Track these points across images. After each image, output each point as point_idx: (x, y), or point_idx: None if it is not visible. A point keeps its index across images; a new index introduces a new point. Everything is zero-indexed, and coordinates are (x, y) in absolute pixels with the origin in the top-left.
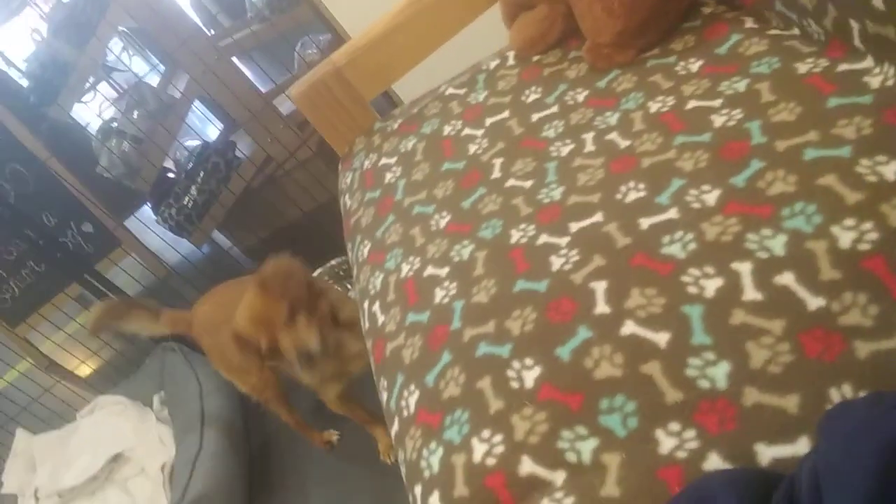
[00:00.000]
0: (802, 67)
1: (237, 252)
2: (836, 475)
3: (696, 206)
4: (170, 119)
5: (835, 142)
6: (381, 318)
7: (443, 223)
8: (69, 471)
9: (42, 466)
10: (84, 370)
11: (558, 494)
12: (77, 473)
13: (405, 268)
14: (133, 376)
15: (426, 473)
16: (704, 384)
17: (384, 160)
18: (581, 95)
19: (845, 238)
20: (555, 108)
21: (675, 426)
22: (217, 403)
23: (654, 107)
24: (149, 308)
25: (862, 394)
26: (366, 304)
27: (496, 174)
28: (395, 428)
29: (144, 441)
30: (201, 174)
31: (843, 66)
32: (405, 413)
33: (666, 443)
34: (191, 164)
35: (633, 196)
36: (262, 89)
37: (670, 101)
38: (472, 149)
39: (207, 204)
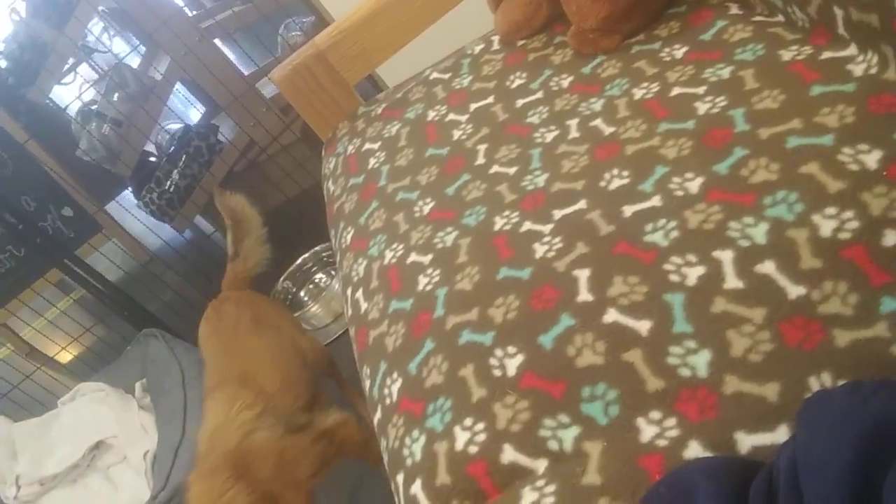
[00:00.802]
0: (786, 55)
1: (219, 237)
2: (814, 464)
3: (680, 193)
4: (151, 102)
5: (817, 130)
6: (364, 306)
7: (426, 210)
8: (51, 458)
9: (23, 454)
10: (65, 356)
11: (540, 482)
12: (59, 461)
13: (388, 254)
14: (115, 363)
15: (408, 461)
16: (685, 372)
17: (368, 145)
18: (566, 81)
19: (826, 227)
20: (539, 94)
21: (655, 414)
22: (199, 391)
23: (638, 93)
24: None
25: (841, 382)
26: (349, 291)
27: (480, 160)
28: (377, 416)
29: (127, 429)
30: (183, 158)
31: (826, 54)
32: (388, 401)
33: (647, 431)
34: (172, 148)
35: (616, 183)
36: (245, 72)
37: (655, 87)
38: (457, 134)
39: (189, 188)
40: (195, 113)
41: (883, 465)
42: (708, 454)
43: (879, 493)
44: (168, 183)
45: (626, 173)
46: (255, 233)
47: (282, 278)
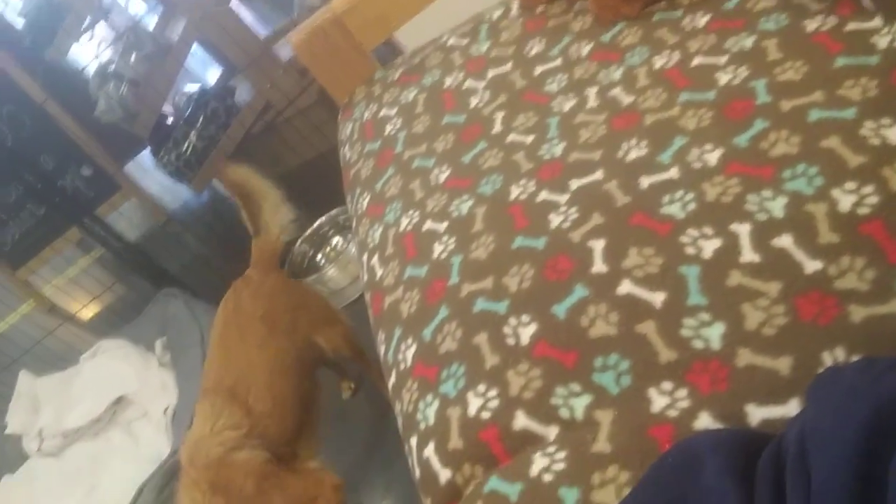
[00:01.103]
0: (811, 25)
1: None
2: (822, 439)
3: (698, 165)
4: (168, 63)
5: (840, 103)
6: (379, 272)
7: (442, 177)
8: (73, 412)
9: (46, 408)
10: (86, 314)
11: (550, 449)
12: (80, 415)
13: (404, 221)
14: (135, 321)
15: (422, 425)
16: (698, 344)
17: (384, 111)
18: (585, 49)
19: (845, 201)
20: (558, 62)
21: (667, 385)
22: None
23: (658, 62)
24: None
25: (854, 358)
26: (365, 257)
27: (497, 128)
28: (392, 380)
29: (147, 385)
30: (200, 120)
31: (851, 25)
32: (402, 366)
33: (658, 401)
34: (190, 110)
35: (634, 154)
36: (262, 34)
37: (675, 56)
38: (474, 102)
39: (207, 150)
40: (212, 74)
41: (891, 443)
42: (718, 426)
43: (886, 470)
44: (186, 144)
45: (644, 144)
46: (270, 201)
47: (299, 241)
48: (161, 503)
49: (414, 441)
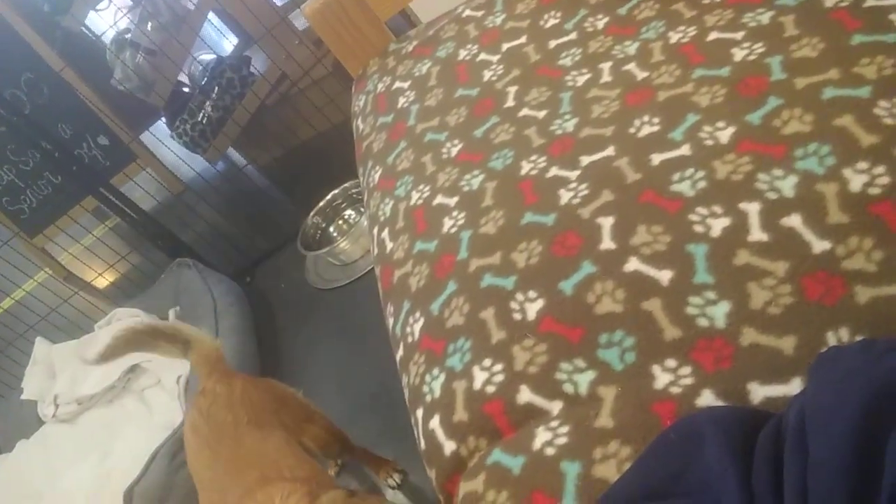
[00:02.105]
0: (829, 1)
1: (252, 170)
2: (822, 418)
3: (710, 143)
4: (183, 32)
5: (855, 81)
6: (389, 245)
7: (454, 151)
8: (87, 379)
9: (61, 374)
10: (101, 282)
11: (554, 423)
12: (95, 382)
13: (415, 196)
14: (149, 290)
15: (428, 398)
16: (703, 323)
17: (398, 84)
18: (601, 22)
19: (856, 181)
20: (573, 35)
21: (671, 362)
22: (231, 321)
23: (674, 37)
24: (178, 337)
25: (858, 339)
26: (375, 231)
27: (510, 103)
28: (399, 353)
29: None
30: (216, 90)
31: (870, 2)
32: (410, 339)
33: (661, 378)
34: (205, 80)
35: (646, 130)
36: (278, 3)
37: (691, 31)
38: (487, 75)
39: (222, 120)
40: (228, 44)
41: (889, 424)
42: (720, 403)
43: (883, 450)
44: (201, 114)
45: (656, 120)
46: (178, 326)
47: (311, 214)
48: (173, 470)
49: (420, 413)
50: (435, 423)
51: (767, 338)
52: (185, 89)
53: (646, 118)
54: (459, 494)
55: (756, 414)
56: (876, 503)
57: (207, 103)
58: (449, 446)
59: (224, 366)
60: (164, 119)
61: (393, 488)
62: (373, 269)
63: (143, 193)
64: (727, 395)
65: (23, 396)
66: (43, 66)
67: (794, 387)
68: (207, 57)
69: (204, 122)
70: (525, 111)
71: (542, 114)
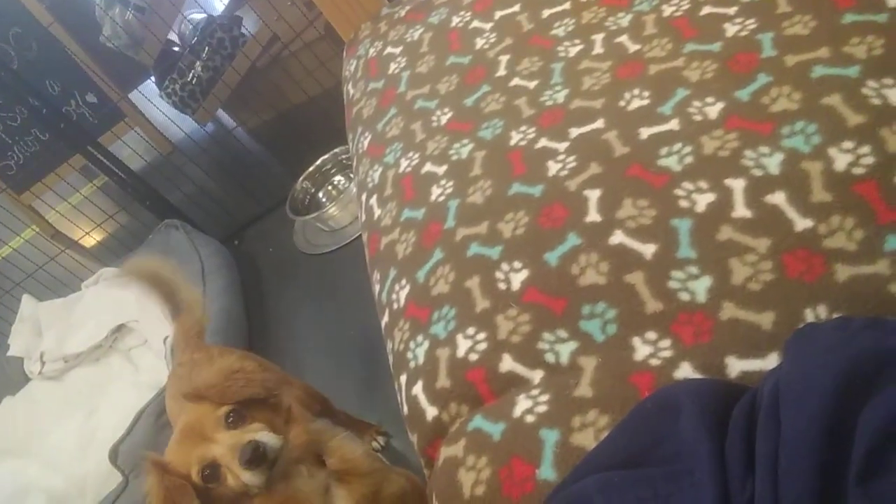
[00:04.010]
0: None
1: (241, 133)
2: (795, 393)
3: (698, 118)
4: None
5: (845, 60)
6: (377, 212)
7: (444, 120)
8: (74, 337)
9: (48, 332)
10: (88, 241)
11: (534, 392)
12: (82, 340)
13: (404, 163)
14: (137, 251)
15: (412, 364)
16: (685, 297)
17: (389, 49)
18: None
19: (841, 161)
20: (567, 5)
21: (651, 335)
22: (219, 284)
23: (667, 10)
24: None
25: (836, 316)
26: (363, 197)
27: (501, 72)
28: (385, 319)
29: (147, 314)
30: (206, 50)
31: None
32: (395, 306)
33: (641, 350)
34: (195, 39)
35: (636, 104)
36: None
37: (685, 5)
38: (480, 43)
39: (212, 81)
40: (219, 4)
41: (860, 400)
42: (698, 376)
43: (854, 427)
44: (191, 74)
45: (646, 94)
46: (182, 282)
47: (301, 179)
48: (159, 428)
49: (403, 379)
50: (418, 388)
51: (747, 313)
52: (175, 48)
53: (636, 91)
54: (440, 458)
55: (732, 387)
56: (845, 478)
57: (197, 63)
58: (431, 412)
59: (202, 341)
60: (153, 78)
61: (376, 451)
62: (360, 235)
63: (131, 153)
64: (705, 368)
65: (9, 353)
66: (32, 21)
67: (771, 361)
68: (198, 16)
69: (193, 82)
70: (516, 81)
71: (532, 84)
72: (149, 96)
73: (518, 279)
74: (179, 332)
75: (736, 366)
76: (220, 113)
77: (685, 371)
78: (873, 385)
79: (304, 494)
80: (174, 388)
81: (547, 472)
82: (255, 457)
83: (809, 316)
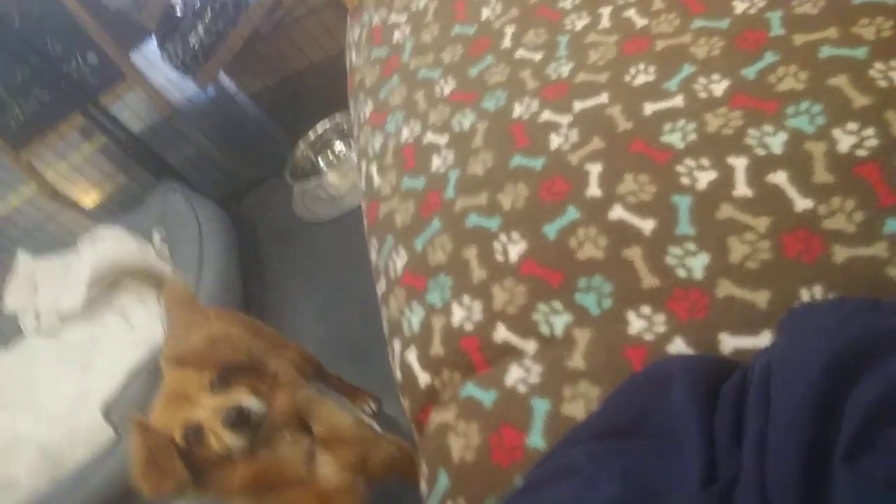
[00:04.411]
0: None
1: (243, 98)
2: (787, 372)
3: (703, 95)
4: None
5: (853, 41)
6: (377, 180)
7: (447, 90)
8: (69, 294)
9: (43, 288)
10: (86, 201)
11: (527, 362)
12: (77, 297)
13: (405, 132)
14: (134, 211)
15: (406, 331)
16: (681, 273)
17: (394, 17)
18: None
19: (845, 142)
20: None
21: (646, 310)
22: (216, 247)
23: None
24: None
25: (831, 297)
26: (364, 165)
27: (506, 43)
28: (381, 287)
29: (143, 274)
30: (209, 13)
31: None
32: (392, 274)
33: (636, 324)
34: (198, 2)
35: (641, 79)
36: None
37: None
38: (485, 13)
39: (214, 45)
40: None
41: (851, 380)
42: (691, 352)
43: (844, 406)
44: (193, 38)
45: (652, 69)
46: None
47: (301, 145)
48: (152, 387)
49: (397, 345)
50: (411, 355)
51: (742, 291)
52: (178, 11)
53: (641, 66)
54: (431, 424)
55: (724, 364)
56: (832, 456)
57: (200, 26)
58: (424, 378)
59: (196, 302)
60: (154, 40)
61: (368, 416)
62: (359, 204)
63: (131, 114)
64: (698, 343)
65: (4, 308)
66: None
67: (764, 340)
68: None
69: (195, 46)
70: (521, 52)
71: (538, 56)
72: (150, 58)
73: (516, 251)
74: (172, 298)
75: (729, 343)
76: (222, 77)
77: (678, 346)
78: (865, 366)
79: (287, 460)
80: (170, 349)
81: (536, 440)
82: (239, 420)
83: (805, 296)
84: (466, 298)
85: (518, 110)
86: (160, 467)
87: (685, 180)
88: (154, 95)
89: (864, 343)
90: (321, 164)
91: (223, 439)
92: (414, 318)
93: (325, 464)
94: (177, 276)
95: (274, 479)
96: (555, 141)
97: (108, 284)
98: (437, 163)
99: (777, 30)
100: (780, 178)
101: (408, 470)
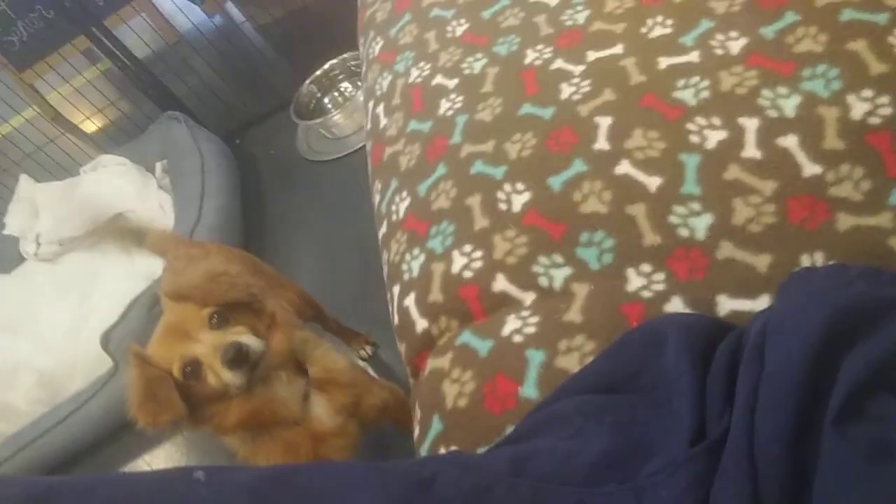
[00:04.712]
0: None
1: (249, 28)
2: (782, 332)
3: (720, 52)
4: None
5: (875, 6)
6: (383, 121)
7: (459, 31)
8: (71, 221)
9: (45, 214)
10: (89, 126)
11: (525, 313)
12: (78, 225)
13: (414, 73)
14: (137, 140)
15: (406, 276)
16: (684, 232)
17: None
18: None
19: (858, 109)
20: None
21: (646, 267)
22: (218, 181)
23: None
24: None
25: (831, 263)
26: (370, 104)
27: None
28: (382, 230)
29: (145, 205)
30: None
31: None
32: (394, 217)
33: (634, 281)
34: None
35: (658, 32)
36: None
37: None
38: None
39: None
40: None
41: (846, 346)
42: (688, 311)
43: (836, 371)
44: None
45: (669, 22)
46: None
47: (307, 81)
48: (151, 319)
49: (396, 290)
50: (410, 300)
51: (743, 254)
52: None
53: (659, 19)
54: (426, 369)
55: (720, 325)
56: (821, 420)
57: None
58: (421, 324)
59: (184, 240)
60: None
61: (363, 360)
62: (364, 145)
63: (136, 40)
64: (696, 304)
65: (4, 231)
66: None
67: (762, 303)
68: None
69: None
70: None
71: (554, 2)
72: None
73: (519, 201)
74: (159, 241)
75: (726, 304)
76: (230, 6)
77: (676, 305)
78: (861, 333)
79: (282, 399)
80: (169, 283)
81: (529, 390)
82: (237, 357)
83: (806, 262)
84: (467, 246)
85: (530, 56)
86: (157, 400)
87: (695, 138)
88: (160, 21)
89: (861, 310)
90: (327, 102)
91: (221, 376)
92: (414, 264)
93: (318, 405)
94: (155, 230)
95: (268, 418)
96: (566, 91)
97: (112, 217)
98: (444, 106)
99: None
100: (790, 141)
101: (400, 415)
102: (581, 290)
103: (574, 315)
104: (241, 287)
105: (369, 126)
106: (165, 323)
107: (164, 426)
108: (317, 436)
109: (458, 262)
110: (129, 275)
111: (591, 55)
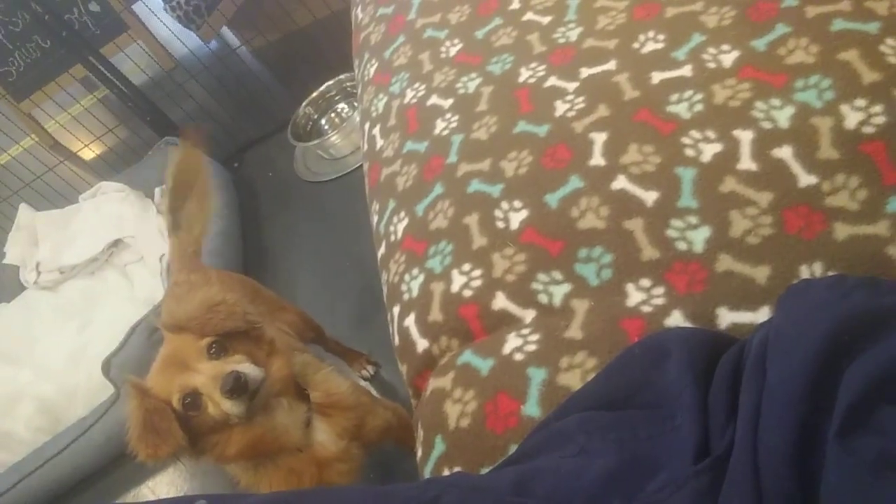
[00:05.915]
0: None
1: (245, 52)
2: (783, 346)
3: (712, 65)
4: None
5: (865, 16)
6: (379, 143)
7: (453, 51)
8: (70, 249)
9: (44, 242)
10: (87, 154)
11: (525, 331)
12: (78, 252)
13: (409, 94)
14: (135, 166)
15: (405, 296)
16: (682, 246)
17: None
18: None
19: (852, 118)
20: None
21: (645, 282)
22: (216, 204)
23: None
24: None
25: (830, 275)
26: (367, 126)
27: (515, 5)
28: (381, 251)
29: (144, 231)
30: None
31: None
32: (392, 238)
33: (634, 296)
34: None
35: (650, 47)
36: None
37: None
38: None
39: None
40: None
41: (847, 357)
42: (688, 325)
43: (838, 383)
44: None
45: (661, 37)
46: (200, 197)
47: (304, 104)
48: (152, 345)
49: (396, 310)
50: (410, 320)
51: (742, 266)
52: None
53: (651, 34)
54: (428, 390)
55: (721, 338)
56: (824, 433)
57: None
58: (422, 344)
59: (198, 261)
60: None
61: (365, 380)
62: (361, 165)
63: (133, 67)
64: (696, 317)
65: (4, 261)
66: None
67: (762, 315)
68: None
69: None
70: (529, 15)
71: (546, 20)
72: (153, 9)
73: (517, 218)
74: (176, 250)
75: (727, 317)
76: (225, 31)
77: (676, 319)
78: (862, 343)
79: (283, 426)
80: (170, 308)
81: (532, 408)
82: (237, 387)
83: (805, 273)
84: (466, 265)
85: (524, 75)
86: (157, 431)
87: (690, 152)
88: (156, 48)
89: (862, 321)
90: (324, 123)
91: (220, 406)
92: (414, 284)
93: (321, 430)
94: (195, 221)
95: (270, 446)
96: (560, 108)
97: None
98: (440, 126)
99: (789, 0)
100: (785, 152)
101: (403, 435)
102: (581, 307)
103: (574, 332)
104: (239, 315)
105: (366, 147)
106: (164, 354)
107: (165, 458)
108: (320, 461)
109: (458, 281)
110: (129, 301)
111: (585, 72)
